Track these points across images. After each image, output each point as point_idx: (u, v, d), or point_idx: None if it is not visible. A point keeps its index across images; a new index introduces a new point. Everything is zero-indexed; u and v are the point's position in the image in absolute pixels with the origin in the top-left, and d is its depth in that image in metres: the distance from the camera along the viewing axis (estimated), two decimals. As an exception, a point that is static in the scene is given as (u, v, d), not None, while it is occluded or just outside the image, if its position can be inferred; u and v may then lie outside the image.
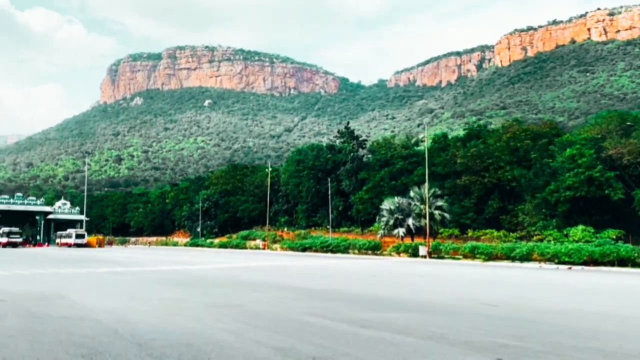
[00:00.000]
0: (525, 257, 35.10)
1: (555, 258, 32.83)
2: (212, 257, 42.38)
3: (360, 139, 68.91)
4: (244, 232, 73.37)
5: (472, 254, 38.44)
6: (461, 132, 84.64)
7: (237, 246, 67.46)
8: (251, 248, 65.46)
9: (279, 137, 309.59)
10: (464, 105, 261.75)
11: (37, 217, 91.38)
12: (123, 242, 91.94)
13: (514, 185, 50.18)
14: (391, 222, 46.54)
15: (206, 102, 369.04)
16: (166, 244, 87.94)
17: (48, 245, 79.77)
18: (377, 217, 49.70)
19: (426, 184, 43.84)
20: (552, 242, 36.96)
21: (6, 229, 70.12)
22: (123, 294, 14.08)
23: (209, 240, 77.92)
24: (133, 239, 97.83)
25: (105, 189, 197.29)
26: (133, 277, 19.99)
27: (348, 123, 76.10)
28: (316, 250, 53.58)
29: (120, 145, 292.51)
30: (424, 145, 51.55)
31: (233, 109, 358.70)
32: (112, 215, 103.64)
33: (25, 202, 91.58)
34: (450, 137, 65.94)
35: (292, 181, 71.84)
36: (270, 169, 65.70)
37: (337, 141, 70.85)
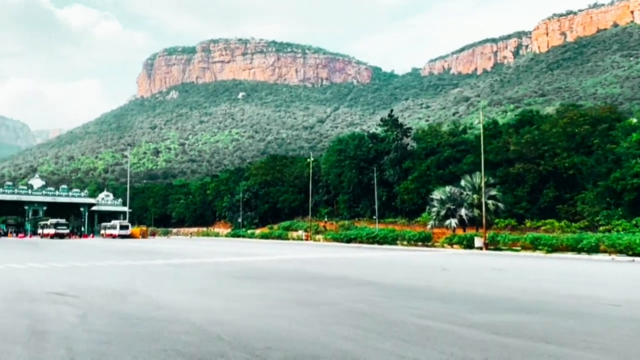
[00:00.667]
0: (593, 249, 32.90)
1: (629, 249, 30.56)
2: (260, 248, 41.60)
3: (405, 127, 66.87)
4: (286, 223, 72.66)
5: (533, 246, 36.38)
6: (500, 120, 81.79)
7: (279, 237, 66.76)
8: (293, 239, 64.64)
9: (312, 128, 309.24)
10: (500, 93, 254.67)
11: (82, 209, 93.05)
12: (165, 233, 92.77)
13: (571, 173, 47.58)
14: (442, 212, 44.75)
15: (240, 95, 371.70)
16: (207, 235, 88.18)
17: (93, 237, 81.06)
18: (427, 207, 47.96)
19: (482, 171, 41.80)
20: (622, 232, 34.57)
21: (53, 221, 71.35)
22: (195, 289, 13.12)
23: (250, 231, 77.59)
24: (174, 230, 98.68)
25: (144, 181, 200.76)
26: (194, 270, 19.12)
27: (392, 111, 74.13)
28: (361, 242, 52.24)
29: (157, 138, 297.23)
30: (473, 133, 49.39)
31: (266, 101, 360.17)
32: (154, 207, 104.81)
33: (70, 194, 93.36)
34: (490, 124, 63.49)
35: (333, 171, 70.60)
36: (311, 159, 64.57)
37: (380, 130, 69.06)
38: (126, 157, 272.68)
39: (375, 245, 49.01)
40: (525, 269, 21.80)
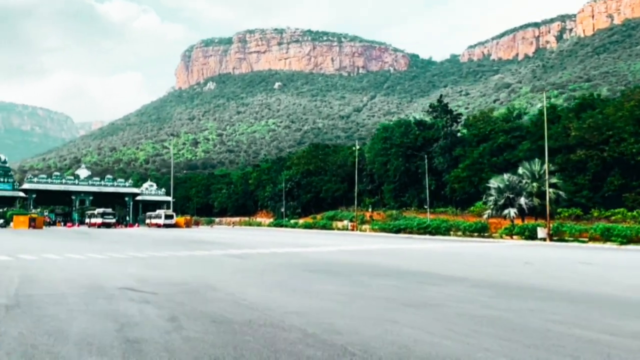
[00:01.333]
0: (675, 241, 30.29)
1: None
2: (311, 238, 40.45)
3: (454, 113, 64.30)
4: (330, 213, 71.46)
5: (603, 237, 33.87)
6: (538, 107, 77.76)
7: (323, 227, 65.67)
8: (338, 229, 63.41)
9: (348, 117, 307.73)
10: (543, 79, 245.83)
11: (126, 199, 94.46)
12: (208, 223, 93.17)
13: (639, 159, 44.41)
14: (500, 201, 42.49)
15: (276, 85, 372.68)
16: (249, 224, 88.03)
17: (138, 226, 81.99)
18: (484, 196, 45.72)
19: (546, 157, 39.28)
20: None
21: (100, 210, 72.38)
22: (272, 284, 11.89)
23: (292, 221, 76.80)
24: (217, 219, 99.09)
25: (184, 171, 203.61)
26: (257, 262, 17.98)
27: (441, 97, 71.51)
28: (411, 232, 50.48)
29: (196, 129, 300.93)
30: (529, 118, 46.65)
31: (302, 91, 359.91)
32: (196, 196, 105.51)
33: (115, 184, 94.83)
34: (530, 113, 60.30)
35: (378, 160, 68.79)
36: (357, 147, 62.91)
37: (428, 116, 66.72)
38: (166, 147, 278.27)
39: (427, 236, 47.19)
40: (613, 263, 19.77)
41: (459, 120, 64.17)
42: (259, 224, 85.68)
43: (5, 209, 79.48)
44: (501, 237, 41.09)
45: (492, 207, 43.47)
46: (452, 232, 46.86)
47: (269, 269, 15.38)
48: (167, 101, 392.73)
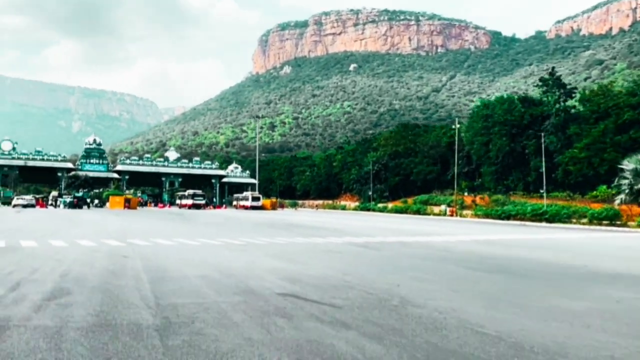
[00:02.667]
0: None
1: None
2: (414, 224, 36.90)
3: (569, 87, 57.56)
4: (423, 197, 67.27)
5: None
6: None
7: (417, 212, 61.62)
8: (434, 214, 59.20)
9: (427, 98, 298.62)
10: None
11: (213, 180, 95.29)
12: (293, 205, 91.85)
13: None
14: (638, 185, 36.65)
15: (351, 67, 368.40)
16: (334, 208, 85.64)
17: (225, 208, 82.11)
18: (617, 179, 39.84)
19: None
20: None
21: (191, 192, 72.72)
22: (465, 291, 8.66)
23: (380, 205, 73.41)
24: (300, 202, 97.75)
25: (263, 154, 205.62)
26: (395, 254, 14.85)
27: (553, 69, 64.55)
28: (522, 219, 45.43)
29: (272, 113, 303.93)
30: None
31: (378, 72, 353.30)
32: (279, 179, 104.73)
33: (202, 166, 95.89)
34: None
35: (477, 140, 63.47)
36: (457, 125, 57.94)
37: (538, 91, 60.36)
38: (245, 131, 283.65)
39: (544, 224, 42.07)
40: None
41: (573, 95, 57.36)
42: (344, 208, 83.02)
43: (101, 190, 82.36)
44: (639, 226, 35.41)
45: (626, 191, 37.65)
46: (574, 220, 41.45)
47: (423, 266, 12.17)
48: (244, 86, 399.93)
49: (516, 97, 66.46)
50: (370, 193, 75.38)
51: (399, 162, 76.83)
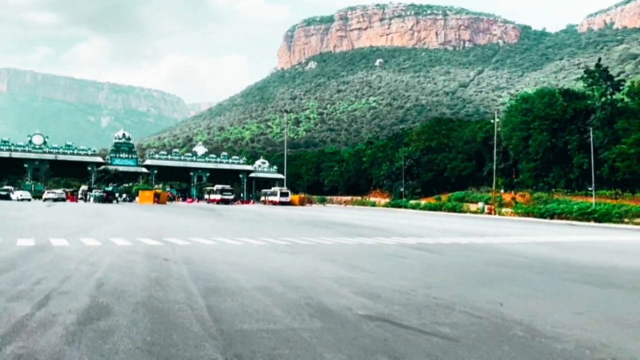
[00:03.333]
0: None
1: None
2: (455, 223, 34.94)
3: (615, 79, 54.46)
4: (459, 194, 64.87)
5: None
6: None
7: (452, 209, 59.36)
8: (471, 212, 56.90)
9: (454, 93, 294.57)
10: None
11: (241, 175, 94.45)
12: (321, 201, 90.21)
13: None
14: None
15: (377, 62, 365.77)
16: (363, 204, 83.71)
17: (253, 203, 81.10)
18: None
19: None
20: None
21: (219, 187, 71.78)
22: (592, 312, 6.94)
23: (412, 201, 71.22)
24: (327, 198, 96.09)
25: (288, 149, 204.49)
26: (461, 260, 13.15)
27: (599, 60, 61.32)
28: (567, 218, 42.95)
29: (297, 108, 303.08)
30: None
31: (404, 67, 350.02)
32: (306, 174, 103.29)
33: (230, 161, 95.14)
34: None
35: (515, 135, 60.79)
36: (496, 119, 55.33)
37: (582, 84, 57.35)
38: (270, 127, 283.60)
39: (592, 223, 39.57)
40: None
41: (621, 87, 54.26)
42: (373, 204, 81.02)
43: (130, 184, 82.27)
44: None
45: (688, 190, 34.97)
46: (626, 220, 38.86)
47: (510, 276, 10.41)
48: (270, 82, 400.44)
49: (557, 90, 63.43)
50: (402, 189, 73.25)
51: (431, 157, 74.53)
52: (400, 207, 71.03)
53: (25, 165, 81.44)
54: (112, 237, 15.80)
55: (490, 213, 53.79)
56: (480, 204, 56.97)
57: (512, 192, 59.35)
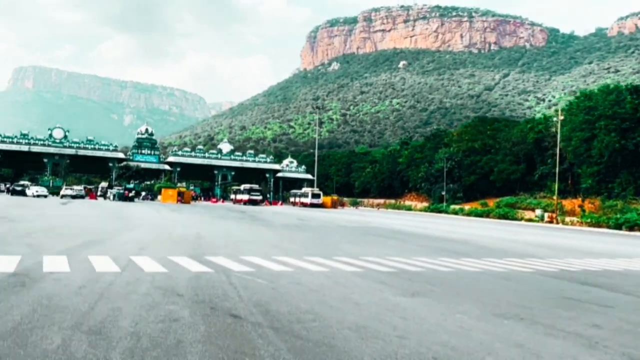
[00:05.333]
0: None
1: None
2: (520, 233, 29.46)
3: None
4: (509, 199, 59.06)
5: None
6: None
7: (503, 216, 53.67)
8: (525, 220, 51.17)
9: (479, 96, 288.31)
10: None
11: (267, 175, 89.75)
12: (354, 204, 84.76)
13: None
14: None
15: (401, 64, 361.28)
16: (397, 208, 78.29)
17: (282, 204, 76.26)
18: None
19: None
20: None
21: (247, 186, 66.99)
22: None
23: (453, 206, 65.63)
24: (358, 200, 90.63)
25: (311, 150, 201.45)
26: None
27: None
28: (650, 230, 37.12)
29: (320, 109, 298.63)
30: None
31: (428, 69, 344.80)
32: (336, 175, 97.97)
33: (257, 159, 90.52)
34: None
35: (576, 135, 54.73)
36: (559, 117, 49.32)
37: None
38: (292, 127, 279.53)
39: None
40: None
41: None
42: (409, 208, 75.58)
43: (152, 182, 78.17)
44: None
45: None
46: None
47: None
48: (292, 82, 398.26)
49: (623, 86, 57.15)
50: (443, 193, 67.51)
51: (474, 159, 68.66)
52: (440, 212, 65.51)
53: (45, 160, 77.90)
54: (135, 255, 10.87)
55: (551, 222, 48.01)
56: (538, 211, 51.16)
57: (571, 198, 53.38)
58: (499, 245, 19.71)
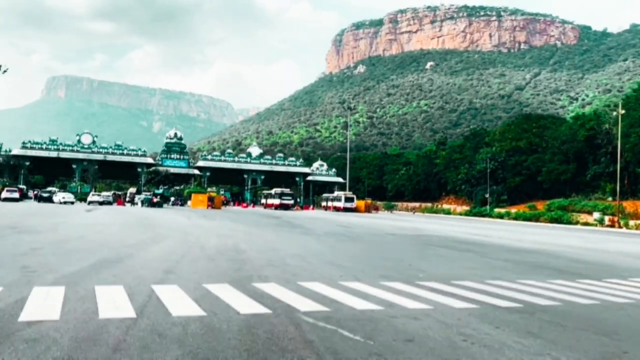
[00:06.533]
0: None
1: None
2: (608, 241, 25.70)
3: None
4: (562, 201, 54.70)
5: None
6: None
7: (556, 220, 49.52)
8: (582, 224, 46.97)
9: (509, 96, 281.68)
10: None
11: (297, 178, 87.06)
12: (389, 208, 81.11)
13: None
14: None
15: (428, 65, 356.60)
16: (434, 212, 74.47)
17: (313, 209, 73.33)
18: None
19: None
20: None
21: (278, 190, 64.31)
22: None
23: (498, 210, 61.52)
24: (392, 204, 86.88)
25: (338, 153, 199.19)
26: None
27: None
28: None
29: (346, 112, 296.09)
30: None
31: (456, 70, 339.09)
32: (368, 178, 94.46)
33: (286, 162, 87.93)
34: None
35: (635, 131, 50.26)
36: (620, 111, 44.96)
37: None
38: (319, 131, 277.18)
39: None
40: None
41: None
42: (448, 212, 71.63)
43: (181, 186, 76.33)
44: None
45: None
46: None
47: None
48: (318, 86, 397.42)
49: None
50: (486, 195, 63.37)
51: (519, 159, 64.34)
52: (483, 216, 61.50)
53: (74, 166, 76.89)
54: (159, 283, 7.95)
55: (612, 225, 43.75)
56: (597, 214, 46.86)
57: (632, 199, 48.85)
58: (592, 257, 16.26)
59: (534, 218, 53.16)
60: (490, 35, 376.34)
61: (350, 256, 13.76)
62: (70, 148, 77.35)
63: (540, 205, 57.40)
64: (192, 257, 11.85)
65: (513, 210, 59.43)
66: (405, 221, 41.31)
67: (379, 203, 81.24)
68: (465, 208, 69.44)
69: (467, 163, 70.48)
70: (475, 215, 63.56)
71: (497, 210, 61.77)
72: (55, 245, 12.86)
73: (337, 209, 64.18)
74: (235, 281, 8.48)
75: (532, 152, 63.75)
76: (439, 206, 76.67)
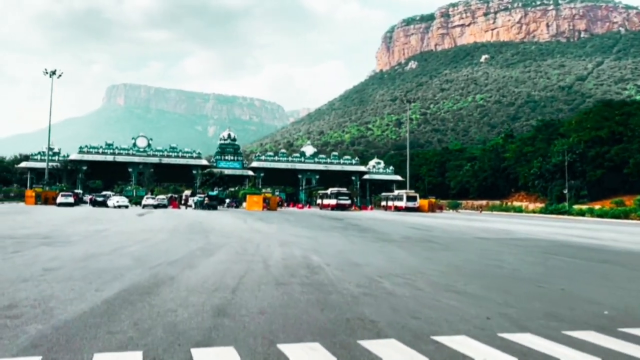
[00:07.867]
0: None
1: None
2: None
3: None
4: (657, 197, 48.47)
5: None
6: None
7: (653, 218, 43.56)
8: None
9: (570, 87, 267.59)
10: None
11: (353, 177, 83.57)
12: (454, 206, 75.92)
13: None
14: None
15: (482, 58, 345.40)
16: (504, 210, 68.87)
17: (371, 209, 69.56)
18: None
19: None
20: None
21: (334, 190, 61.03)
22: None
23: (578, 206, 55.53)
24: (458, 202, 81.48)
25: (391, 151, 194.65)
26: None
27: None
28: None
29: (398, 110, 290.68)
30: None
31: (512, 62, 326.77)
32: (428, 175, 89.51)
33: (341, 161, 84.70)
34: None
35: None
36: None
37: None
38: (370, 129, 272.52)
39: None
40: None
41: None
42: (520, 210, 65.96)
43: (236, 188, 74.58)
44: None
45: None
46: None
47: None
48: (368, 84, 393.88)
49: None
50: (564, 191, 57.40)
51: (600, 150, 58.01)
52: (561, 213, 55.67)
53: (130, 170, 76.77)
54: (201, 346, 4.63)
55: None
56: None
57: None
58: None
59: (623, 215, 47.20)
60: (548, 25, 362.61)
61: (464, 275, 10.08)
62: (126, 152, 77.33)
63: (629, 201, 51.14)
64: (253, 280, 8.54)
65: (596, 206, 53.38)
66: (481, 221, 36.86)
67: (442, 201, 76.28)
68: (540, 205, 63.56)
69: (540, 156, 64.46)
70: (552, 212, 57.78)
71: (576, 206, 55.81)
72: (77, 264, 9.90)
73: (398, 209, 60.17)
74: (329, 335, 5.05)
75: (615, 142, 57.22)
76: (509, 204, 70.92)
